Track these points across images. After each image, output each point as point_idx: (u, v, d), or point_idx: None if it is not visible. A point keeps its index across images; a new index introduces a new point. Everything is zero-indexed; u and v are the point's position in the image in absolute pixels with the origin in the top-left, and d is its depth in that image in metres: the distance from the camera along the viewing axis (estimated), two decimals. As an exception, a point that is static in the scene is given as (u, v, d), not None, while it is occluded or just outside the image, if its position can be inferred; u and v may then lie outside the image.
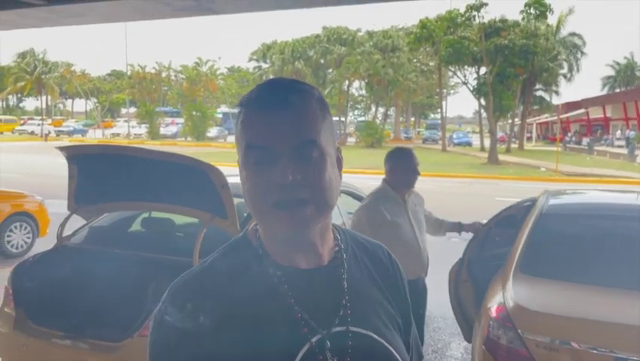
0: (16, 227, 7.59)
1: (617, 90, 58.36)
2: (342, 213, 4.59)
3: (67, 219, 3.74)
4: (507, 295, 2.90)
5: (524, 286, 2.98)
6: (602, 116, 43.86)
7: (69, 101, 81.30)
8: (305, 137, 0.84)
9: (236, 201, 3.29)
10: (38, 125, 51.69)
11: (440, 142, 39.75)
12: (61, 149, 3.50)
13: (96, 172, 3.57)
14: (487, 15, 29.42)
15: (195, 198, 3.35)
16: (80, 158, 3.56)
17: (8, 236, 7.50)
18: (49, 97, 60.81)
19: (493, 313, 2.86)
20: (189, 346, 0.82)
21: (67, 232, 3.85)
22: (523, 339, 2.67)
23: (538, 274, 3.09)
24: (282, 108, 0.84)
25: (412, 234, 3.30)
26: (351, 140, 43.30)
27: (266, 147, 0.84)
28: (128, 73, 55.79)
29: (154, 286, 3.53)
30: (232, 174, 3.97)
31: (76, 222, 3.93)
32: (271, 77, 46.20)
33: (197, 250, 3.19)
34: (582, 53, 41.82)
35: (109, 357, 3.06)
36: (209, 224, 3.30)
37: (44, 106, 61.79)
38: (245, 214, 3.88)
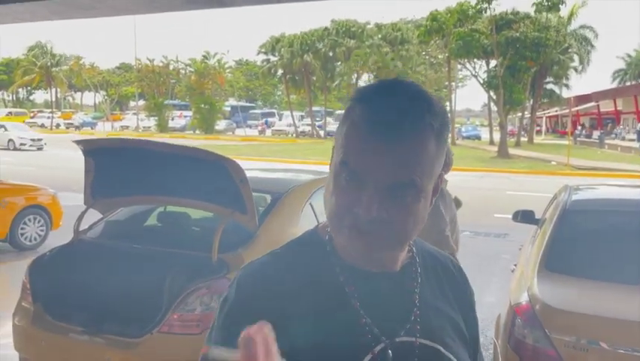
0: (29, 220, 7.61)
1: (628, 83, 57.76)
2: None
3: (83, 213, 3.71)
4: (533, 293, 2.84)
5: (550, 284, 2.92)
6: (613, 109, 43.44)
7: (78, 94, 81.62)
8: (406, 177, 0.77)
9: (255, 195, 3.26)
10: (48, 117, 52.01)
11: (449, 135, 39.50)
12: (78, 142, 3.47)
13: (113, 166, 3.54)
14: (499, 7, 29.03)
15: (214, 192, 3.32)
16: (96, 151, 3.53)
17: (22, 229, 7.53)
18: (58, 90, 61.01)
19: (519, 311, 2.80)
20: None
21: (83, 226, 3.82)
22: (550, 339, 2.61)
23: (564, 272, 3.03)
24: (393, 134, 0.75)
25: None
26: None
27: (360, 173, 0.77)
28: (137, 66, 55.86)
29: (170, 281, 3.51)
30: (250, 168, 3.93)
31: (93, 216, 3.90)
32: (280, 70, 46.27)
33: (216, 244, 3.15)
34: (592, 46, 41.33)
35: (128, 353, 3.04)
36: (229, 219, 3.26)
37: (54, 99, 62.02)
38: (261, 208, 3.83)
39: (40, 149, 27.35)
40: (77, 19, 10.50)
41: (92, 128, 50.02)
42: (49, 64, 54.16)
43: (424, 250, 0.96)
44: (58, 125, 50.60)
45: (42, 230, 7.74)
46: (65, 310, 3.34)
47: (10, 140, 27.82)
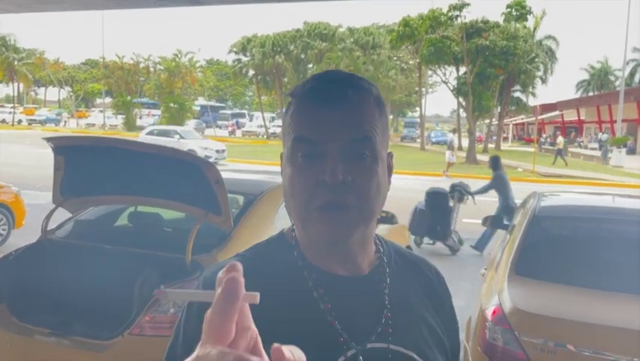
0: (-9, 218, 7.37)
1: (591, 94, 59.58)
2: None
3: (52, 211, 3.62)
4: (503, 296, 2.91)
5: (520, 288, 2.99)
6: (576, 118, 44.74)
7: (41, 90, 79.48)
8: (360, 133, 0.78)
9: (230, 197, 3.23)
10: (9, 113, 50.47)
11: (418, 140, 40.02)
12: (48, 140, 3.38)
13: (84, 164, 3.46)
14: (469, 15, 29.65)
15: (188, 193, 3.28)
16: (67, 149, 3.44)
17: (-17, 227, 7.28)
18: (21, 85, 59.32)
19: (490, 314, 2.86)
20: None
21: (50, 226, 3.73)
22: (520, 341, 2.67)
23: (534, 276, 3.11)
24: (339, 101, 0.78)
25: None
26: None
27: (316, 141, 0.77)
28: (103, 63, 54.80)
29: (142, 282, 3.45)
30: (222, 170, 3.91)
31: (61, 215, 3.81)
32: (251, 71, 46.06)
33: (190, 245, 3.12)
34: (555, 58, 42.51)
35: (97, 356, 2.97)
36: (203, 220, 3.22)
37: (16, 94, 60.24)
38: (234, 210, 3.81)
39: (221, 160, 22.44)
40: (44, 12, 10.24)
41: (55, 125, 48.77)
42: (11, 58, 52.60)
43: (395, 251, 0.94)
44: (20, 121, 49.15)
45: (4, 229, 7.50)
46: (32, 311, 3.25)
47: (190, 150, 23.15)
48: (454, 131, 29.21)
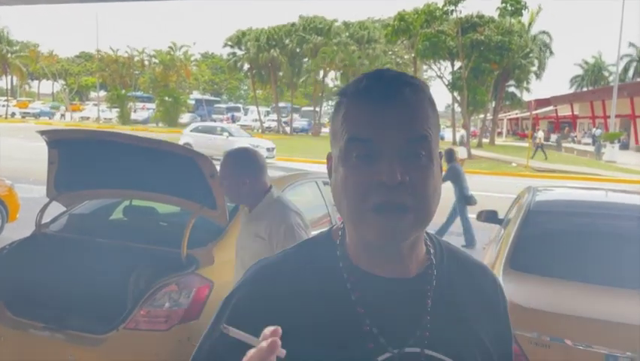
0: (-16, 212, 7.33)
1: (585, 89, 59.75)
2: (327, 204, 4.55)
3: (46, 205, 3.60)
4: (498, 291, 2.92)
5: (515, 283, 3.00)
6: (570, 113, 44.87)
7: (35, 83, 78.93)
8: (417, 133, 0.77)
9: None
10: (3, 106, 50.10)
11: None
12: (42, 133, 3.36)
13: (78, 158, 3.44)
14: (465, 10, 29.60)
15: (183, 187, 3.26)
16: (61, 143, 3.42)
17: (-24, 221, 7.25)
18: (14, 77, 58.90)
19: (485, 308, 2.87)
20: (251, 330, 0.71)
21: (45, 219, 3.71)
22: (514, 336, 2.68)
23: (528, 271, 3.12)
24: (394, 100, 0.77)
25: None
26: (325, 130, 43.26)
27: (372, 141, 0.76)
28: (98, 56, 54.41)
29: (137, 276, 3.45)
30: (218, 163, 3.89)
31: (55, 209, 3.79)
32: (246, 65, 45.83)
33: (185, 240, 3.11)
34: (551, 52, 42.59)
35: (92, 350, 2.96)
36: (198, 214, 3.22)
37: (9, 87, 59.82)
38: (230, 204, 3.80)
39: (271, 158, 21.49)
40: (37, 4, 10.17)
41: (49, 118, 48.44)
42: (4, 51, 52.19)
43: (450, 255, 0.90)
44: (13, 114, 48.80)
45: (-3, 222, 7.47)
46: (26, 305, 3.24)
47: None
48: (464, 125, 29.06)
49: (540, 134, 29.18)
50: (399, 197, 0.75)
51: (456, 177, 8.49)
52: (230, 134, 22.12)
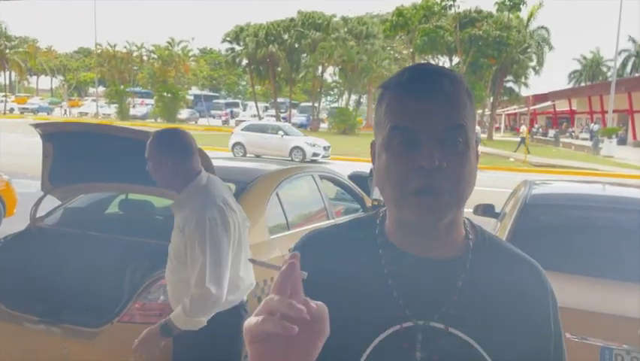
0: (-19, 207, 7.31)
1: (583, 84, 59.75)
2: (324, 198, 4.54)
3: (41, 199, 3.59)
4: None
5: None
6: (568, 109, 44.87)
7: (33, 78, 78.75)
8: (454, 122, 0.83)
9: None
10: (1, 101, 49.97)
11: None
12: (37, 126, 3.34)
13: (73, 151, 3.42)
14: (463, 5, 29.61)
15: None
16: (55, 136, 3.40)
17: (-27, 216, 7.23)
18: (12, 73, 58.75)
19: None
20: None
21: (40, 213, 3.70)
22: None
23: (524, 264, 3.11)
24: (434, 92, 0.83)
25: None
26: (324, 126, 43.22)
27: (413, 130, 0.82)
28: (97, 51, 54.27)
29: (132, 269, 3.44)
30: (214, 157, 3.89)
31: (50, 202, 3.78)
32: (244, 60, 45.75)
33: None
34: (550, 47, 42.56)
35: (86, 343, 2.95)
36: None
37: (8, 82, 59.67)
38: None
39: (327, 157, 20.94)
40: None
41: (48, 114, 48.33)
42: (2, 46, 52.03)
43: (491, 242, 0.94)
44: (12, 110, 48.69)
45: (-6, 217, 7.45)
46: (21, 299, 3.22)
47: (296, 148, 20.52)
48: (479, 122, 28.97)
49: (523, 128, 29.53)
50: (437, 181, 0.81)
51: None
52: (285, 133, 21.33)
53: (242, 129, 21.97)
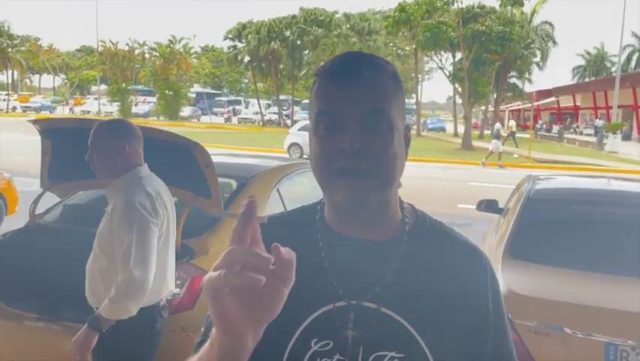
0: (-18, 205, 7.31)
1: (587, 80, 59.50)
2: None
3: (40, 196, 3.56)
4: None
5: (514, 271, 2.96)
6: (572, 104, 44.69)
7: (36, 77, 78.89)
8: (374, 105, 0.86)
9: (220, 180, 3.18)
10: (4, 100, 50.10)
11: (414, 127, 40.01)
12: (35, 122, 3.31)
13: (71, 148, 3.39)
14: (466, 0, 29.40)
15: (177, 176, 3.22)
16: (54, 132, 3.38)
17: (-26, 214, 7.23)
18: (15, 72, 58.83)
19: (483, 297, 2.83)
20: None
21: (39, 210, 3.67)
22: (513, 324, 2.65)
23: (528, 259, 3.08)
24: (355, 77, 0.86)
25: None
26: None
27: (335, 114, 0.86)
28: (99, 49, 54.29)
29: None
30: (215, 153, 3.86)
31: (50, 199, 3.76)
32: (246, 57, 45.72)
33: (180, 230, 3.07)
34: (554, 42, 42.37)
35: (86, 341, 2.93)
36: (193, 204, 3.18)
37: (10, 81, 59.78)
38: (226, 195, 3.76)
39: None
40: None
41: (50, 113, 48.40)
42: (5, 45, 52.11)
43: (431, 226, 0.97)
44: (14, 109, 48.80)
45: (-4, 215, 7.45)
46: (20, 296, 3.20)
47: None
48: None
49: (512, 123, 30.17)
50: (358, 163, 0.84)
51: None
52: None
53: (298, 129, 21.22)
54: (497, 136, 19.76)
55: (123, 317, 2.17)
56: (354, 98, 0.85)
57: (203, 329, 0.89)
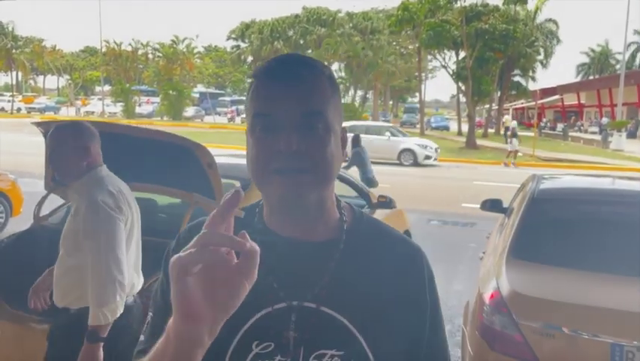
0: (-13, 206, 7.34)
1: (592, 77, 59.26)
2: None
3: (44, 198, 3.57)
4: (501, 280, 2.87)
5: (518, 272, 2.95)
6: (577, 102, 44.53)
7: (40, 78, 79.15)
8: (312, 107, 0.86)
9: (223, 181, 3.18)
10: (8, 101, 50.24)
11: (418, 126, 39.91)
12: (38, 125, 3.32)
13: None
14: (468, -1, 29.30)
15: (181, 177, 3.22)
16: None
17: (-21, 215, 7.25)
18: (19, 73, 59.04)
19: (487, 298, 2.82)
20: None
21: (44, 212, 3.68)
22: (518, 325, 2.64)
23: (532, 260, 3.06)
24: (292, 79, 0.87)
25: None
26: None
27: (272, 115, 0.86)
28: (103, 50, 54.42)
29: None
30: (219, 154, 3.86)
31: (55, 201, 3.76)
32: (249, 57, 45.85)
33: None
34: (558, 40, 42.21)
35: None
36: (196, 205, 3.17)
37: (14, 82, 59.98)
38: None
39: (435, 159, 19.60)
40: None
41: (54, 113, 48.51)
42: (9, 46, 52.29)
43: (370, 225, 0.98)
44: (19, 110, 48.95)
45: (1, 217, 7.48)
46: (25, 298, 3.20)
47: (406, 150, 19.06)
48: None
49: (506, 118, 30.86)
50: (296, 163, 0.85)
51: (360, 161, 9.41)
52: (392, 135, 19.76)
53: None
54: (515, 134, 19.56)
55: (114, 317, 2.17)
56: (292, 100, 0.86)
57: (142, 338, 0.88)
